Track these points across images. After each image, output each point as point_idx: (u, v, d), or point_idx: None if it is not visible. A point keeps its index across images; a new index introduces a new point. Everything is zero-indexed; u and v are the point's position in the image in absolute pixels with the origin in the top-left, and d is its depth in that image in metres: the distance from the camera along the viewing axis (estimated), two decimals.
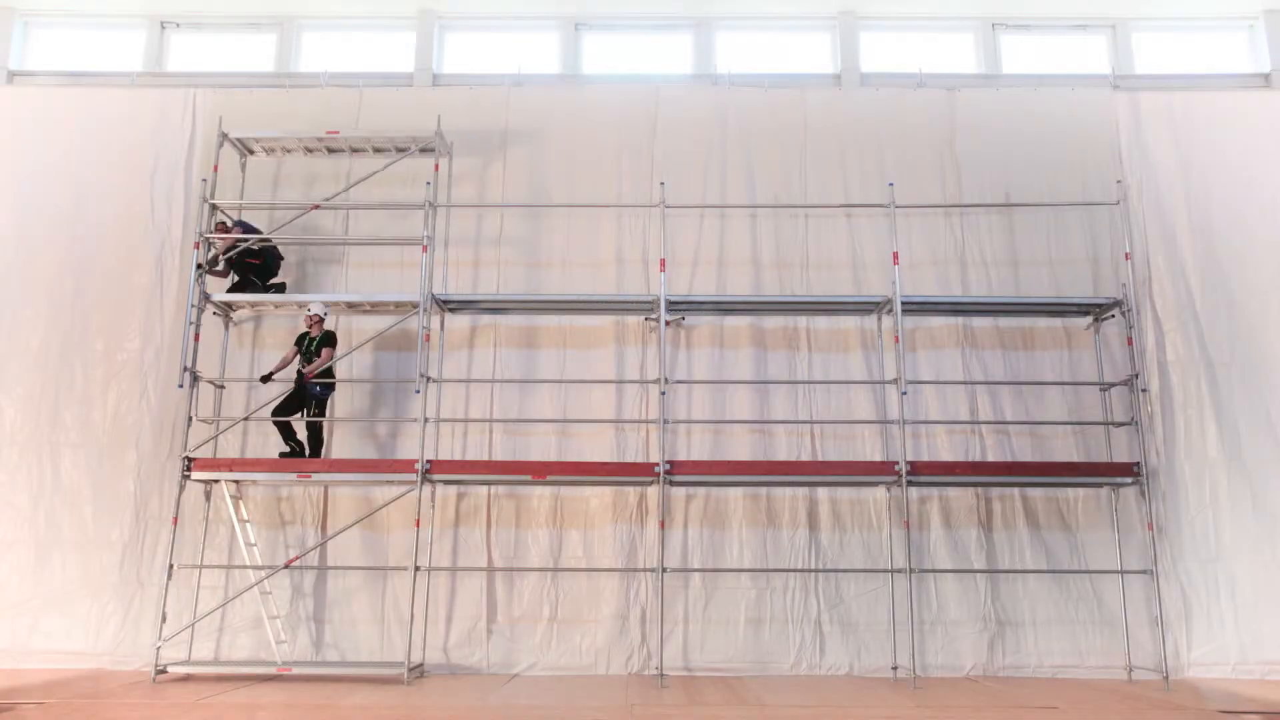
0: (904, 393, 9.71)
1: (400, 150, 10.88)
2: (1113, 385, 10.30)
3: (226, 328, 10.68)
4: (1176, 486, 10.27)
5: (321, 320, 10.00)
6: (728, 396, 10.59)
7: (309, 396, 9.93)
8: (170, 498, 9.81)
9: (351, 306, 10.55)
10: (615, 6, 12.27)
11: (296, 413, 9.93)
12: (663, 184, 10.21)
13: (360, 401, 10.72)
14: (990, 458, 10.34)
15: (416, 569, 9.40)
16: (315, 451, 9.99)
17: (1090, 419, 10.38)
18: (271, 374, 9.96)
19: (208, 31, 12.50)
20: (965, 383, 10.57)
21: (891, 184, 10.28)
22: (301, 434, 9.97)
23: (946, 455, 10.39)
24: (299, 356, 10.04)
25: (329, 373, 9.99)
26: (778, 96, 11.50)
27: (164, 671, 9.19)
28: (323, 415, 10.12)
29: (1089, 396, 10.49)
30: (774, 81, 11.67)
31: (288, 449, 9.83)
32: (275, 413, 9.87)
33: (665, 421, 9.85)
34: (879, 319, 10.58)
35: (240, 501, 10.21)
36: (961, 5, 12.27)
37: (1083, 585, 10.03)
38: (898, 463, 9.59)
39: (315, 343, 9.97)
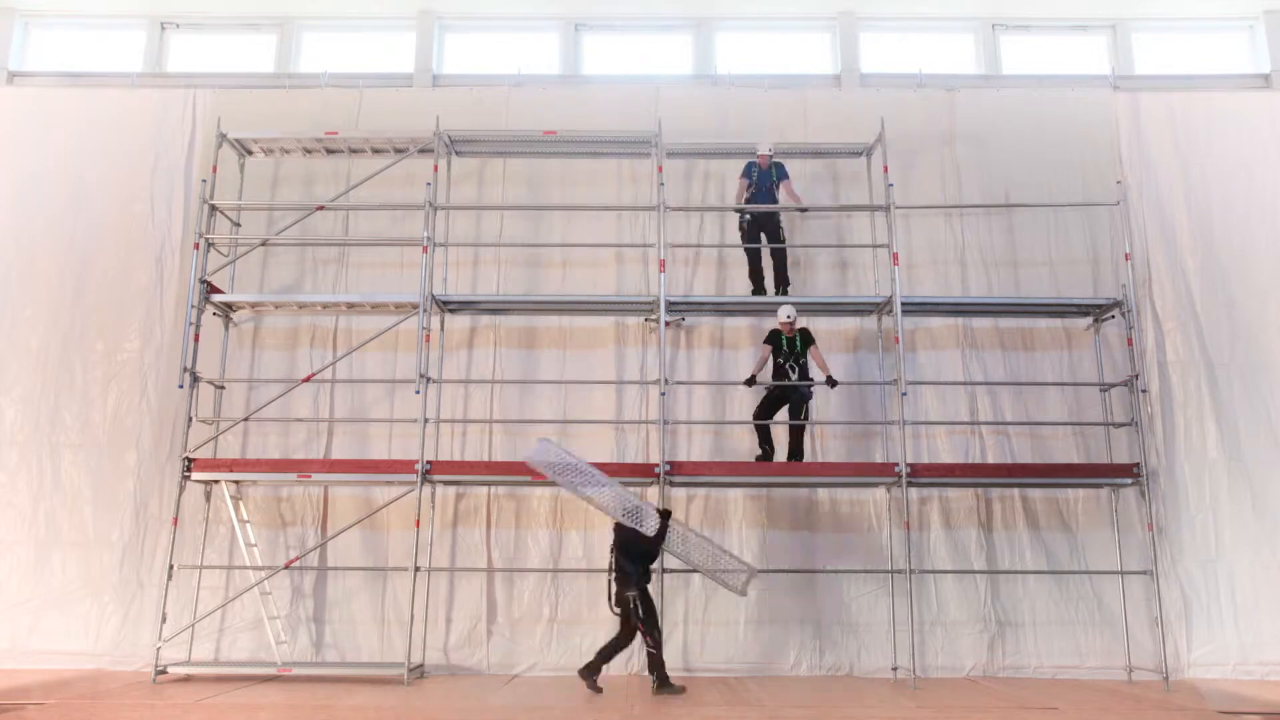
0: (904, 394, 9.71)
1: (399, 151, 10.88)
2: (1113, 386, 10.30)
3: (226, 328, 10.67)
4: (1176, 487, 10.27)
5: (793, 321, 9.81)
6: (728, 397, 10.59)
7: (800, 397, 9.77)
8: (170, 498, 9.81)
9: (351, 307, 10.55)
10: (615, 6, 12.27)
11: (775, 414, 9.83)
12: (662, 184, 10.21)
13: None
14: (990, 458, 10.35)
15: (416, 569, 9.40)
16: (797, 455, 9.77)
17: (1090, 420, 10.38)
18: (754, 376, 9.85)
19: (208, 32, 12.50)
20: (965, 383, 10.57)
21: (891, 184, 10.28)
22: (778, 437, 9.87)
23: (946, 456, 10.39)
24: (774, 358, 9.82)
25: (806, 374, 9.85)
26: (778, 96, 11.50)
27: (164, 672, 9.20)
28: (808, 418, 9.88)
29: (1089, 397, 10.49)
30: (774, 82, 11.66)
31: (761, 452, 9.76)
32: (757, 415, 9.83)
33: (665, 422, 9.85)
34: (879, 319, 10.57)
35: (240, 502, 10.22)
36: (961, 5, 12.27)
37: (1083, 586, 10.04)
38: (898, 464, 9.59)
39: (799, 342, 9.81)
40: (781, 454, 9.84)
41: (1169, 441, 10.40)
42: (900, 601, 9.58)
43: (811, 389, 9.87)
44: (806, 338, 9.89)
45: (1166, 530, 10.10)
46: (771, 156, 10.39)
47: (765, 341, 9.96)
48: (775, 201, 10.41)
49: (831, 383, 9.76)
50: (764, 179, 10.37)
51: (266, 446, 10.45)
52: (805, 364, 9.82)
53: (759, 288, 10.35)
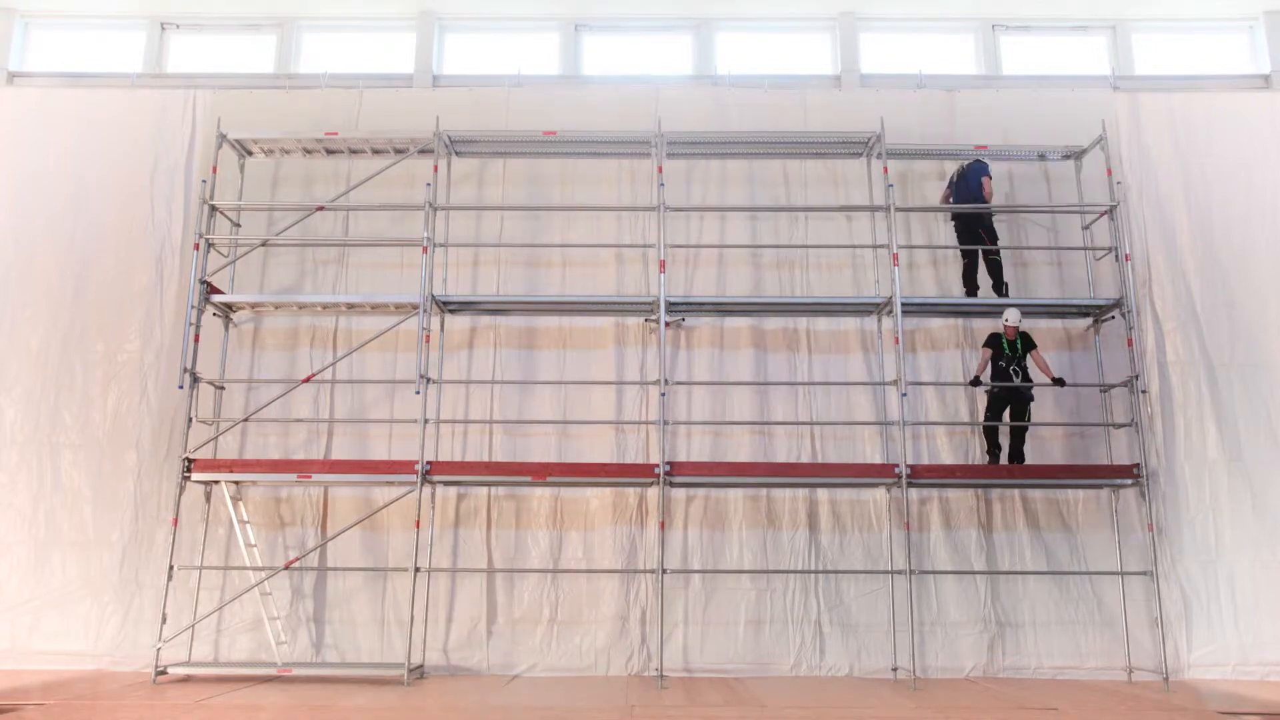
0: (904, 394, 9.71)
1: (399, 151, 10.88)
2: (1113, 386, 10.30)
3: (226, 329, 10.67)
4: (1176, 487, 10.27)
5: (1018, 325, 9.90)
6: (727, 398, 10.58)
7: (1022, 399, 9.88)
8: (170, 498, 9.81)
9: (351, 307, 10.56)
10: (615, 7, 12.27)
11: (1001, 417, 9.90)
12: (662, 185, 10.21)
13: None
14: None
15: (416, 570, 9.40)
16: (1018, 458, 9.83)
17: (1090, 420, 10.38)
18: (978, 377, 9.95)
19: (208, 32, 12.49)
20: (965, 384, 10.56)
21: (891, 185, 10.27)
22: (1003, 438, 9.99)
23: (946, 456, 10.39)
24: (995, 361, 9.90)
25: (1028, 376, 9.90)
26: (778, 97, 11.50)
27: (164, 673, 9.20)
28: (1029, 419, 9.95)
29: (1089, 397, 10.49)
30: (774, 82, 11.66)
31: (990, 456, 9.92)
32: (986, 419, 9.93)
33: (665, 422, 9.85)
34: (879, 320, 10.57)
35: (240, 502, 10.21)
36: (961, 6, 12.27)
37: (1083, 586, 10.03)
38: (898, 465, 9.59)
39: (1020, 344, 9.90)
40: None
41: (1169, 442, 10.40)
42: (900, 602, 9.58)
43: (1032, 390, 9.92)
44: (1027, 341, 9.99)
45: (1166, 531, 10.10)
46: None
47: (985, 345, 10.04)
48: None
49: (1060, 383, 9.93)
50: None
51: (266, 447, 10.45)
52: (1026, 366, 9.93)
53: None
